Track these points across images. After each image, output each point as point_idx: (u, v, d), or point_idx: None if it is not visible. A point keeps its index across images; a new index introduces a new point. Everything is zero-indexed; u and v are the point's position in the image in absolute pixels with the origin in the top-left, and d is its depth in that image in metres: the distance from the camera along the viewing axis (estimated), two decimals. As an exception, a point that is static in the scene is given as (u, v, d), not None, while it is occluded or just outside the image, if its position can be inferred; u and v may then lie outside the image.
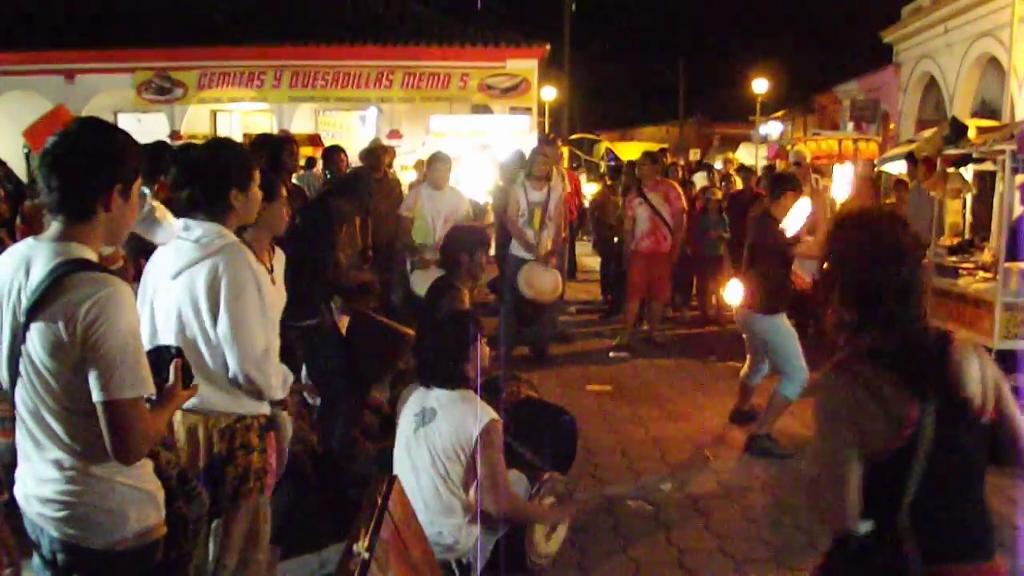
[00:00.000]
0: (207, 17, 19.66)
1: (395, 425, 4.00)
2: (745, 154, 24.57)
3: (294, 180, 8.10)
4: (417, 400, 3.84)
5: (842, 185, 11.24)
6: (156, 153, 5.05)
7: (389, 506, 2.73)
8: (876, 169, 13.34)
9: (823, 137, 16.18)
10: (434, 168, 8.09)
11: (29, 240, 2.28)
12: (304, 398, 5.17)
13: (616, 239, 10.59)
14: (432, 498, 3.69)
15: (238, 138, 16.02)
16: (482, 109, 20.58)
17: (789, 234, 5.66)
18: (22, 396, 2.22)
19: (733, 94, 37.22)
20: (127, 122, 18.36)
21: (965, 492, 2.11)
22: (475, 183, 12.12)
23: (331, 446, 4.97)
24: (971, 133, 9.18)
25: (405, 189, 9.70)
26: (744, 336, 6.27)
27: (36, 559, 2.33)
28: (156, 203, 2.86)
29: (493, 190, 10.28)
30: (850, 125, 20.89)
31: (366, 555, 2.34)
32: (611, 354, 8.61)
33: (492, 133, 17.97)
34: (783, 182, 6.11)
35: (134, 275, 3.85)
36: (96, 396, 2.13)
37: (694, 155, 28.23)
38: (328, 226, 5.17)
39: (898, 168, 11.99)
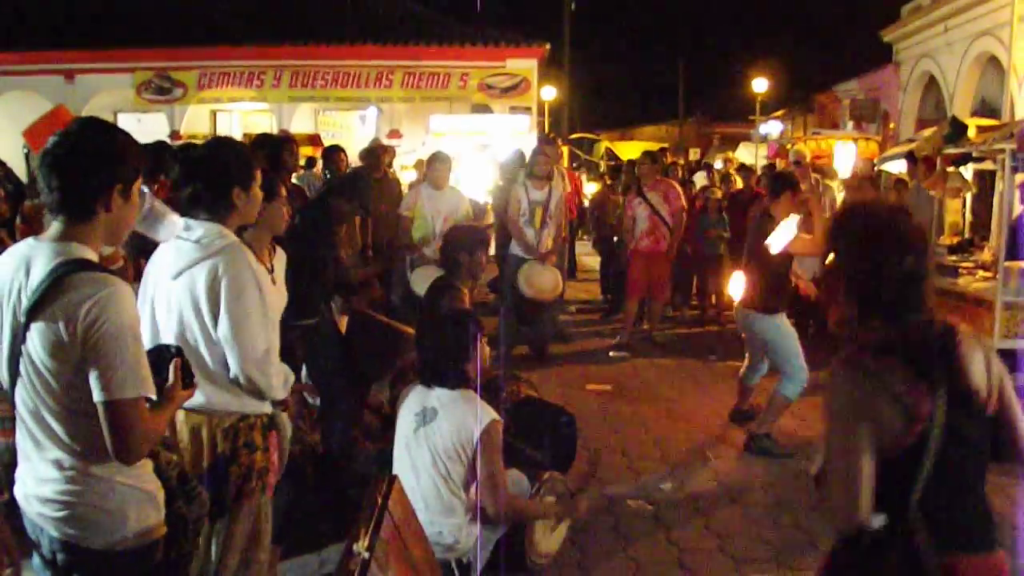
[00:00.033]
0: (207, 17, 19.66)
1: (395, 425, 4.00)
2: (745, 153, 24.56)
3: (294, 180, 8.10)
4: (417, 399, 3.84)
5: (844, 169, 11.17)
6: (156, 153, 5.05)
7: (389, 506, 2.73)
8: (876, 168, 13.34)
9: (823, 136, 16.18)
10: (434, 168, 8.09)
11: (29, 240, 2.28)
12: (304, 398, 5.17)
13: (616, 239, 10.60)
14: (432, 498, 3.69)
15: (238, 138, 16.01)
16: (482, 109, 20.58)
17: (773, 251, 5.67)
18: (22, 396, 2.22)
19: (733, 93, 37.25)
20: (127, 122, 18.36)
21: (971, 484, 2.10)
22: (475, 183, 12.11)
23: (331, 446, 4.96)
24: (971, 132, 9.19)
25: (405, 189, 9.69)
26: (743, 335, 6.27)
27: (36, 559, 2.33)
28: (156, 201, 2.86)
29: (493, 190, 10.28)
30: (850, 124, 20.90)
31: (366, 555, 2.34)
32: (611, 353, 8.61)
33: (492, 133, 17.96)
34: (782, 181, 6.11)
35: (134, 275, 3.86)
36: (97, 396, 2.13)
37: (694, 154, 28.26)
38: (328, 226, 5.16)
39: (898, 167, 12.00)
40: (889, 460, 2.02)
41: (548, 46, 21.20)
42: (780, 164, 14.36)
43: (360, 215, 6.43)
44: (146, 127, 17.91)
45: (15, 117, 15.44)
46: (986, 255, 8.62)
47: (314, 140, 17.28)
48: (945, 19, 15.82)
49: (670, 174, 10.00)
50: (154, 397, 2.26)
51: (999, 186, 10.44)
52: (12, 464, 2.39)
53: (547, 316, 8.37)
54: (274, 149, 5.64)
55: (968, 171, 11.08)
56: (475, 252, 5.02)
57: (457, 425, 3.70)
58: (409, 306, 7.27)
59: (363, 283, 5.92)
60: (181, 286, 2.91)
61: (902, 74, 18.78)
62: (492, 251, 8.60)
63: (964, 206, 11.82)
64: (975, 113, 13.98)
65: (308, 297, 4.78)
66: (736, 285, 6.13)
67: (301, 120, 20.79)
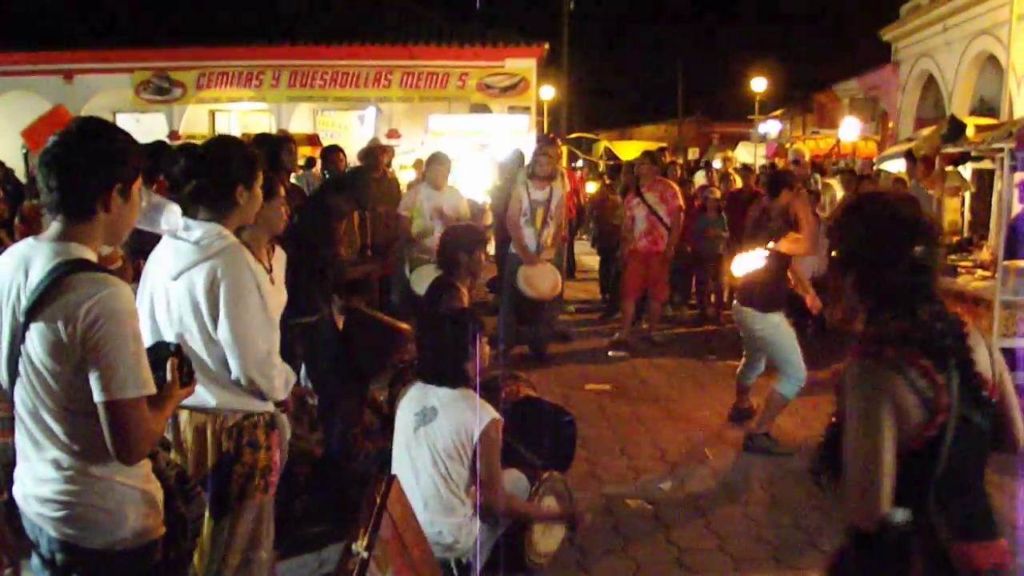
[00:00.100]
0: (206, 17, 19.66)
1: (394, 424, 4.00)
2: (744, 153, 24.59)
3: (292, 180, 8.11)
4: (417, 399, 3.84)
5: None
6: (155, 153, 5.05)
7: (388, 505, 2.73)
8: (875, 168, 13.36)
9: (821, 136, 16.20)
10: (432, 169, 8.10)
11: (29, 240, 2.27)
12: (303, 400, 5.17)
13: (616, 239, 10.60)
14: (432, 497, 3.69)
15: (237, 138, 15.99)
16: (481, 108, 20.59)
17: (736, 274, 5.74)
18: (21, 396, 2.22)
19: (732, 93, 37.25)
20: (126, 122, 18.35)
21: (978, 472, 2.11)
22: (474, 183, 12.12)
23: (331, 445, 4.97)
24: (970, 131, 9.21)
25: (404, 189, 9.70)
26: (741, 334, 6.27)
27: (35, 559, 2.33)
28: (155, 194, 2.86)
29: (492, 189, 10.29)
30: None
31: (365, 554, 2.34)
32: (610, 353, 8.61)
33: (491, 132, 17.98)
34: (780, 180, 6.12)
35: (133, 275, 3.86)
36: (97, 396, 2.13)
37: (693, 154, 28.29)
38: (326, 224, 5.16)
39: (897, 166, 12.01)
40: (908, 453, 2.00)
41: (547, 46, 21.23)
42: (780, 163, 14.38)
43: (358, 212, 6.44)
44: (145, 127, 17.93)
45: (14, 117, 15.44)
46: (985, 254, 8.62)
47: (313, 140, 17.30)
48: (944, 18, 15.84)
49: (669, 174, 10.00)
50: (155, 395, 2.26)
51: (998, 185, 10.44)
52: (11, 464, 2.39)
53: (546, 316, 8.37)
54: (273, 149, 5.65)
55: (967, 170, 11.09)
56: (474, 251, 5.02)
57: (457, 424, 3.70)
58: (409, 306, 7.27)
59: (360, 281, 5.92)
60: (180, 287, 2.91)
61: (901, 73, 18.79)
62: (491, 251, 8.63)
63: (963, 205, 11.82)
64: (974, 112, 13.99)
65: (307, 295, 4.78)
66: (738, 265, 6.12)
67: (300, 120, 20.80)
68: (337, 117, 22.10)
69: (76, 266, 2.16)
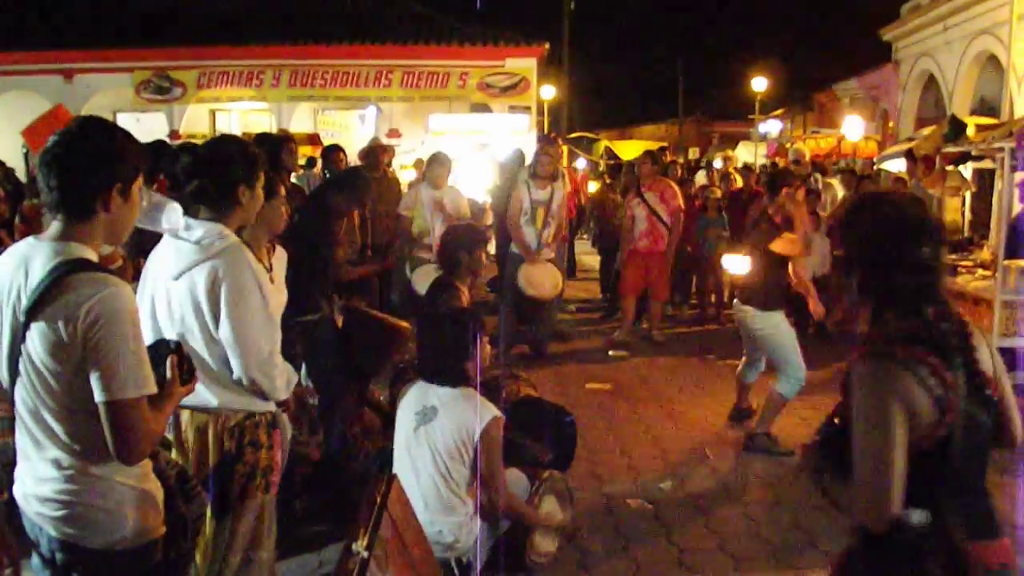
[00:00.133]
0: (206, 17, 19.67)
1: (395, 423, 4.00)
2: (744, 152, 24.58)
3: (293, 179, 8.11)
4: (417, 398, 3.84)
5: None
6: (154, 152, 5.05)
7: (388, 505, 2.73)
8: (876, 167, 13.36)
9: (822, 135, 16.21)
10: (433, 169, 8.11)
11: (29, 239, 2.27)
12: (303, 401, 5.17)
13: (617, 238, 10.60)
14: (432, 497, 3.69)
15: (237, 137, 15.99)
16: (481, 108, 20.60)
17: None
18: (22, 395, 2.22)
19: (732, 92, 37.23)
20: (126, 122, 18.35)
21: (981, 470, 2.10)
22: (474, 182, 12.12)
23: (331, 446, 4.97)
24: (970, 131, 9.20)
25: (404, 188, 9.71)
26: (741, 333, 6.27)
27: (35, 558, 2.33)
28: (155, 193, 2.85)
29: (492, 189, 10.29)
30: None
31: (365, 554, 2.34)
32: (610, 352, 8.61)
33: (491, 132, 17.98)
34: (779, 179, 6.12)
35: (133, 274, 3.86)
36: (98, 396, 2.13)
37: (693, 153, 28.30)
38: (326, 223, 5.16)
39: (897, 166, 12.02)
40: (919, 453, 1.98)
41: (547, 45, 21.22)
42: (780, 163, 14.38)
43: (358, 210, 6.43)
44: (145, 126, 17.95)
45: (14, 117, 15.46)
46: (985, 254, 8.63)
47: (313, 139, 17.31)
48: (944, 18, 15.83)
49: (669, 173, 10.01)
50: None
51: (998, 185, 10.44)
52: (12, 464, 2.39)
53: (547, 315, 8.38)
54: (273, 148, 5.65)
55: (967, 170, 11.09)
56: (475, 250, 5.02)
57: (458, 423, 3.69)
58: (409, 305, 7.28)
59: (360, 281, 5.91)
60: (182, 287, 2.91)
61: (901, 73, 18.78)
62: (492, 250, 8.63)
63: (963, 205, 11.83)
64: (974, 112, 13.99)
65: (308, 294, 4.78)
66: (733, 264, 6.14)
67: (300, 119, 20.80)
68: (338, 116, 22.11)
69: (76, 266, 2.16)
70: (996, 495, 2.17)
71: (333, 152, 9.22)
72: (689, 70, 42.58)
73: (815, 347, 6.84)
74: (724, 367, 7.90)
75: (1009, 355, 6.55)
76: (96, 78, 19.85)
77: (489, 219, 9.31)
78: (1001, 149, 7.86)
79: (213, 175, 2.98)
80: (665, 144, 22.18)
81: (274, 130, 18.02)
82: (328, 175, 9.07)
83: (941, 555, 2.00)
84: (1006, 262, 6.91)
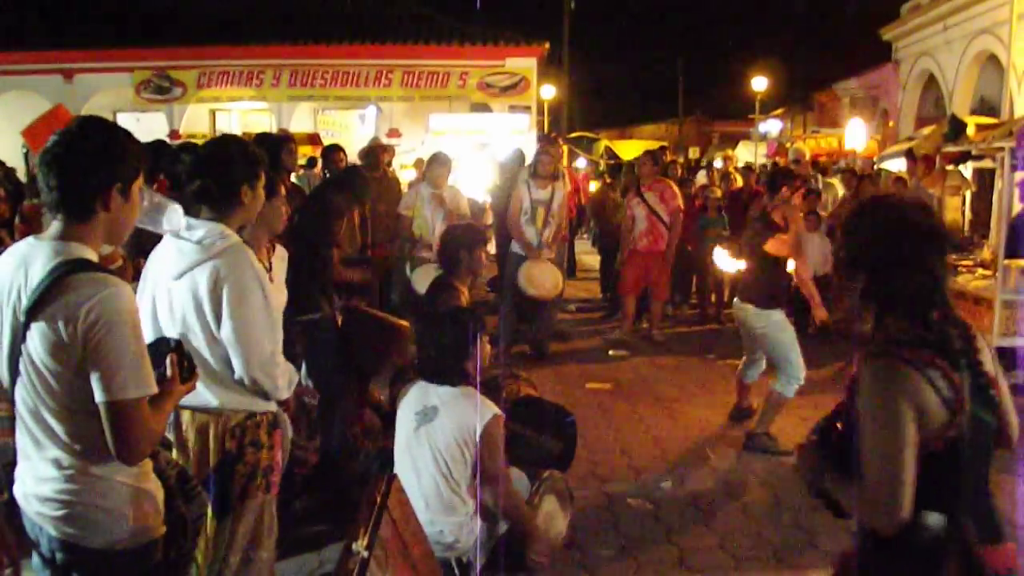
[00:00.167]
0: (206, 16, 19.68)
1: (395, 423, 3.99)
2: (745, 152, 24.58)
3: (293, 179, 8.11)
4: (417, 398, 3.83)
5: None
6: (154, 152, 5.05)
7: (388, 505, 2.73)
8: (876, 167, 13.35)
9: (822, 135, 16.20)
10: (433, 169, 8.11)
11: (29, 239, 2.27)
12: (303, 402, 5.16)
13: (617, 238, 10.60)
14: (433, 496, 3.69)
15: (237, 137, 15.99)
16: (481, 107, 20.60)
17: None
18: (22, 395, 2.22)
19: (732, 92, 37.18)
20: (126, 121, 18.34)
21: (986, 474, 2.08)
22: (474, 182, 12.13)
23: (331, 445, 4.97)
24: (970, 130, 9.21)
25: (404, 188, 9.71)
26: (741, 332, 6.27)
27: (35, 558, 2.33)
28: (156, 193, 2.85)
29: (492, 189, 10.29)
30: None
31: (365, 554, 2.34)
32: (610, 352, 8.61)
33: (491, 131, 17.99)
34: (779, 178, 6.13)
35: (133, 274, 3.86)
36: (99, 397, 2.13)
37: (694, 153, 28.30)
38: (325, 222, 5.16)
39: (897, 165, 12.02)
40: (929, 455, 1.96)
41: (547, 45, 21.23)
42: (781, 163, 14.38)
43: (358, 208, 6.43)
44: (145, 126, 17.95)
45: (14, 117, 15.45)
46: (985, 253, 8.63)
47: (313, 139, 17.30)
48: (944, 17, 15.83)
49: (669, 173, 10.01)
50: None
51: (998, 184, 10.44)
52: (12, 463, 2.39)
53: (547, 314, 8.38)
54: (273, 148, 5.65)
55: (967, 169, 11.10)
56: (475, 249, 5.01)
57: (459, 423, 3.69)
58: (410, 305, 7.28)
59: (361, 286, 5.91)
60: (183, 287, 2.90)
61: (901, 72, 18.79)
62: (492, 250, 8.63)
63: (963, 204, 11.85)
64: (974, 111, 13.99)
65: (308, 294, 4.78)
66: (723, 260, 6.14)
67: (300, 119, 20.81)
68: (338, 116, 22.11)
69: (77, 266, 2.16)
70: (996, 494, 2.17)
71: (333, 152, 9.21)
72: (689, 70, 42.59)
73: (815, 346, 6.84)
74: (724, 367, 7.90)
75: (1009, 354, 6.56)
76: (96, 78, 19.85)
77: (489, 219, 9.31)
78: (1001, 148, 7.87)
79: (215, 175, 2.98)
80: (665, 144, 22.16)
81: (274, 130, 18.04)
82: (328, 175, 9.07)
83: (956, 558, 1.98)
84: (1006, 261, 6.91)
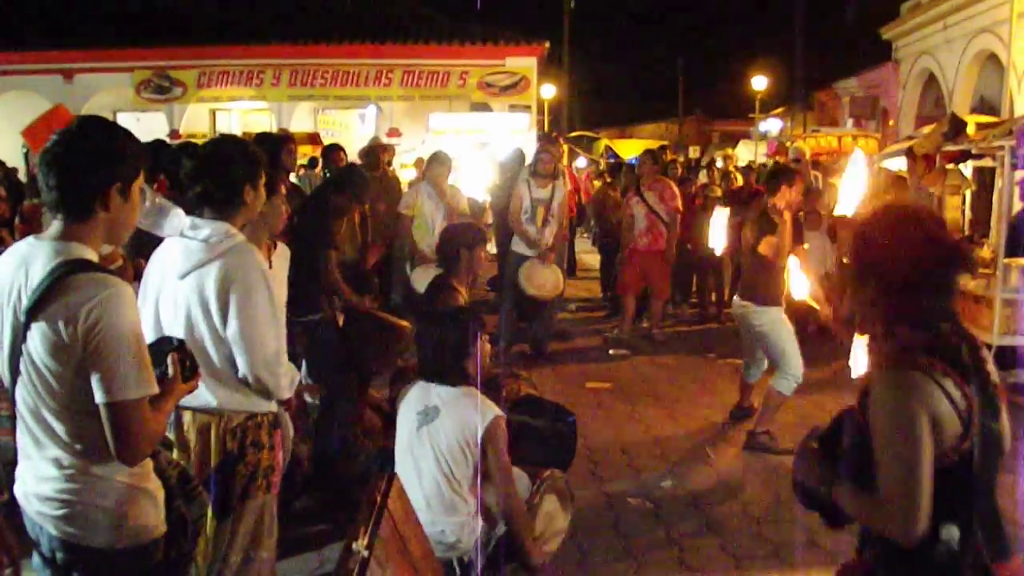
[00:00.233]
0: (206, 16, 19.68)
1: (396, 423, 3.99)
2: (745, 151, 24.58)
3: (293, 179, 8.11)
4: (418, 398, 3.83)
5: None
6: (154, 152, 5.05)
7: (389, 504, 2.73)
8: (876, 166, 13.32)
9: (822, 134, 16.19)
10: (433, 169, 8.11)
11: (30, 239, 2.27)
12: (304, 400, 5.17)
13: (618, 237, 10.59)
14: (435, 497, 3.68)
15: (237, 137, 16.01)
16: (481, 107, 20.61)
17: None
18: (22, 395, 2.22)
19: (732, 91, 37.19)
20: (126, 121, 18.33)
21: (994, 487, 2.04)
22: (474, 181, 12.12)
23: (331, 444, 4.97)
24: (970, 129, 9.18)
25: (404, 187, 9.71)
26: (741, 331, 6.27)
27: (36, 557, 2.33)
28: (158, 196, 2.86)
29: (492, 188, 10.29)
30: (849, 122, 20.91)
31: (365, 553, 2.34)
32: (611, 351, 8.61)
33: (491, 131, 18.00)
34: (778, 176, 6.13)
35: (133, 275, 3.86)
36: (99, 397, 2.13)
37: (694, 152, 28.29)
38: (324, 222, 5.16)
39: (897, 164, 11.99)
40: (943, 468, 1.93)
41: (547, 44, 21.24)
42: (781, 162, 14.36)
43: (357, 207, 6.42)
44: (145, 126, 17.95)
45: (14, 117, 15.45)
46: (985, 252, 8.61)
47: (313, 139, 17.31)
48: (944, 16, 15.83)
49: (669, 172, 10.02)
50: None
51: (998, 183, 10.42)
52: (13, 463, 2.39)
53: (547, 314, 8.38)
54: (273, 148, 5.64)
55: (967, 168, 11.08)
56: (475, 248, 5.00)
57: (460, 423, 3.69)
58: (410, 304, 7.28)
59: (361, 281, 5.89)
60: (189, 286, 2.90)
61: (901, 71, 18.78)
62: (492, 249, 8.64)
63: (963, 203, 11.82)
64: (974, 110, 13.98)
65: (308, 294, 4.78)
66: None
67: (300, 119, 20.81)
68: (338, 116, 22.12)
69: (77, 266, 2.16)
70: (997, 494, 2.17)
71: (333, 151, 9.22)
72: (689, 69, 42.55)
73: (815, 346, 6.83)
74: (724, 366, 7.90)
75: (1010, 354, 6.56)
76: (96, 78, 19.86)
77: (489, 218, 9.30)
78: (1001, 147, 7.85)
79: (216, 177, 2.99)
80: (665, 143, 22.18)
81: (274, 129, 18.03)
82: (328, 175, 9.07)
83: (971, 573, 1.96)
84: (1006, 260, 6.91)
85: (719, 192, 10.40)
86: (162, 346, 2.39)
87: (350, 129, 21.45)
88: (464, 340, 3.77)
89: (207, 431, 3.00)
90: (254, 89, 20.27)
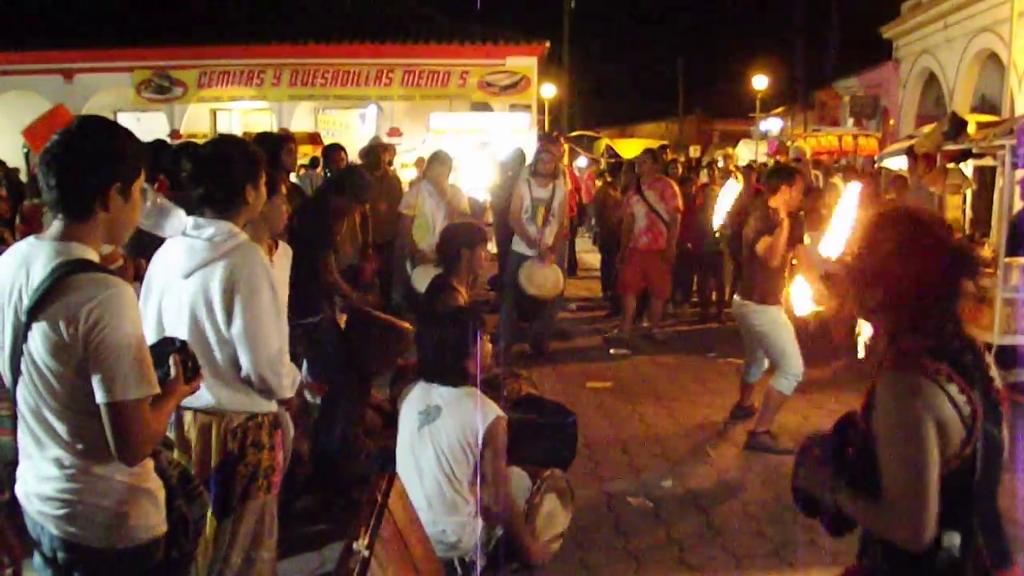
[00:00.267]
0: (206, 16, 19.68)
1: (397, 423, 4.00)
2: (745, 150, 24.57)
3: (293, 179, 8.10)
4: (420, 397, 3.84)
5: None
6: (154, 152, 5.04)
7: (389, 504, 2.73)
8: (876, 165, 13.32)
9: (823, 133, 16.17)
10: (434, 168, 8.11)
11: (30, 239, 2.27)
12: (305, 399, 5.17)
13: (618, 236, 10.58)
14: (436, 496, 3.69)
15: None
16: (482, 107, 20.61)
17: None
18: (23, 394, 2.23)
19: (733, 90, 37.15)
20: (127, 121, 18.30)
21: (996, 494, 2.03)
22: (475, 181, 12.13)
23: (331, 444, 4.97)
24: (971, 128, 9.18)
25: (405, 187, 9.71)
26: (741, 331, 6.27)
27: (37, 557, 2.34)
28: (160, 196, 2.86)
29: (492, 188, 10.29)
30: (850, 121, 20.90)
31: (366, 553, 2.35)
32: (611, 351, 8.61)
33: (492, 130, 18.00)
34: (778, 175, 6.13)
35: (133, 275, 3.86)
36: (100, 398, 2.14)
37: (695, 152, 28.29)
38: (324, 223, 5.16)
39: (898, 164, 12.00)
40: (946, 474, 1.91)
41: (548, 44, 21.23)
42: (782, 161, 14.35)
43: (358, 207, 6.43)
44: (146, 126, 17.94)
45: (14, 117, 15.47)
46: (986, 251, 8.61)
47: (314, 139, 17.32)
48: (944, 15, 15.82)
49: (670, 172, 10.01)
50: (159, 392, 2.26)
51: (999, 182, 10.43)
52: (14, 463, 2.39)
53: (548, 313, 8.38)
54: (273, 148, 5.64)
55: (968, 167, 11.08)
56: (475, 247, 5.00)
57: (462, 423, 3.69)
58: (410, 304, 7.28)
59: (362, 282, 5.90)
60: (193, 285, 2.90)
61: (902, 71, 18.77)
62: (492, 249, 8.63)
63: (964, 202, 11.81)
64: (975, 109, 13.97)
65: (308, 296, 4.78)
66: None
67: (301, 119, 20.82)
68: (338, 115, 22.12)
69: (77, 266, 2.16)
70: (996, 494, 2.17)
71: (334, 151, 9.22)
72: (689, 68, 42.51)
73: (815, 345, 6.83)
74: (725, 365, 7.90)
75: (1010, 353, 6.56)
76: (96, 78, 19.86)
77: (489, 217, 9.30)
78: (1002, 146, 7.85)
79: (217, 177, 2.99)
80: (666, 142, 22.18)
81: (275, 129, 18.05)
82: (328, 174, 9.07)
83: None
84: (1007, 260, 6.91)
85: (719, 192, 10.38)
86: (164, 347, 2.39)
87: (350, 129, 21.45)
88: (464, 340, 3.77)
89: (208, 431, 3.00)
90: (254, 89, 20.27)
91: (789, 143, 18.22)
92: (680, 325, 10.03)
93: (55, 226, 2.24)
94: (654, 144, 16.16)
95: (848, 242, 4.71)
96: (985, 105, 14.48)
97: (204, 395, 2.86)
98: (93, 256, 2.23)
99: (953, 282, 2.03)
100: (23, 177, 12.20)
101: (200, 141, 10.55)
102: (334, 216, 5.25)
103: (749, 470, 5.56)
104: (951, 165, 10.00)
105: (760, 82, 29.66)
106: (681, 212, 8.98)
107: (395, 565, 2.58)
